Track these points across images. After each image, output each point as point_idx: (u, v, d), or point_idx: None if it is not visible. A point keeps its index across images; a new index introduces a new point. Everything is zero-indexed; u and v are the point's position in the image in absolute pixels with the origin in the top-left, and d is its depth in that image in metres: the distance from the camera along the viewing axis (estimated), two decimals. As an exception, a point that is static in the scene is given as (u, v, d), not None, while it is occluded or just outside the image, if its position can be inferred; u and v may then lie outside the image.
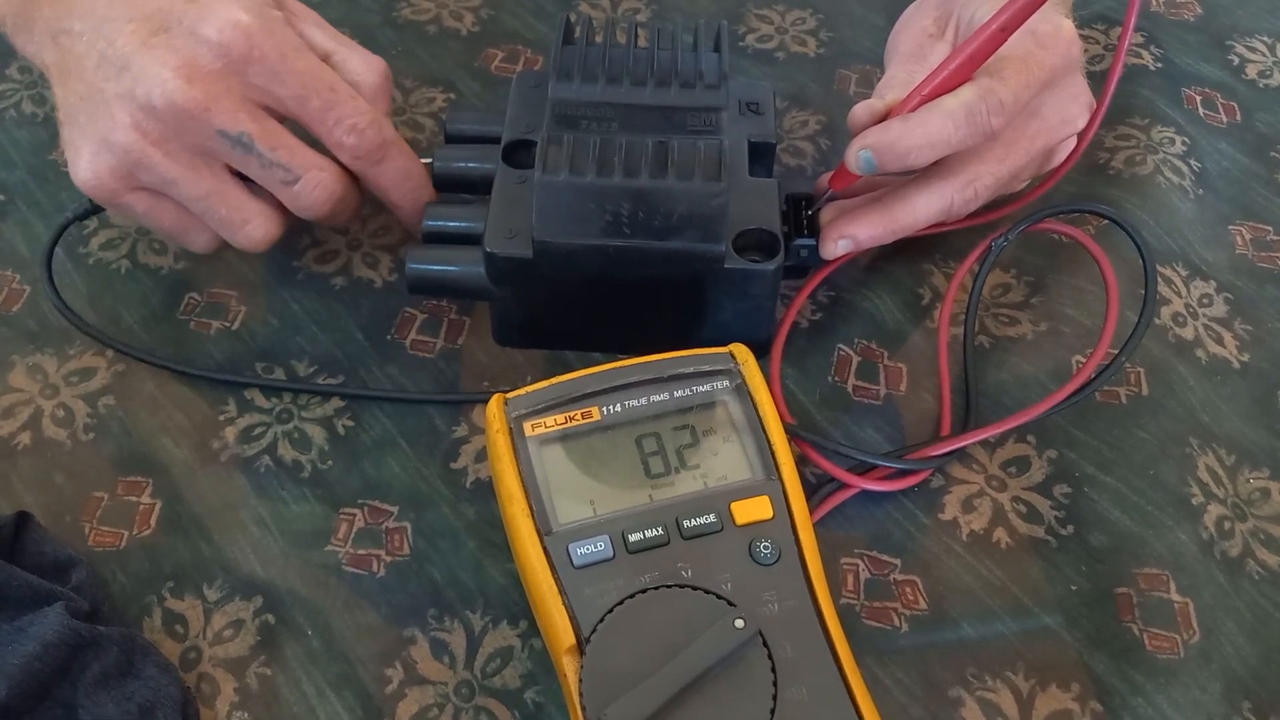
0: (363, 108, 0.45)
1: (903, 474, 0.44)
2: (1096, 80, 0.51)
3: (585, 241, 0.44)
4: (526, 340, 0.49)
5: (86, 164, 0.44)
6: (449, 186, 0.50)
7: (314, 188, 0.45)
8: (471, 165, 0.49)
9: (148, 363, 0.48)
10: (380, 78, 0.48)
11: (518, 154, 0.49)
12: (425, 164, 0.49)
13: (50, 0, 0.46)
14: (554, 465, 0.40)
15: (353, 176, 0.47)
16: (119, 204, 0.45)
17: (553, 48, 0.46)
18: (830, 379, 0.49)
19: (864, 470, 0.44)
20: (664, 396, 0.41)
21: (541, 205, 0.43)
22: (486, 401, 0.41)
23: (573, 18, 0.47)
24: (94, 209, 0.49)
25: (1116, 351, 0.44)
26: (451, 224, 0.48)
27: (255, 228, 0.46)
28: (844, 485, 0.44)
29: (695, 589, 0.36)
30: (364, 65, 0.48)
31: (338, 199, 0.46)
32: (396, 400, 0.47)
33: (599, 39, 0.47)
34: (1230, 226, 0.55)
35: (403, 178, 0.47)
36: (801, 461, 0.44)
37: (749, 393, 0.41)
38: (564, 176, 0.42)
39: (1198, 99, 0.61)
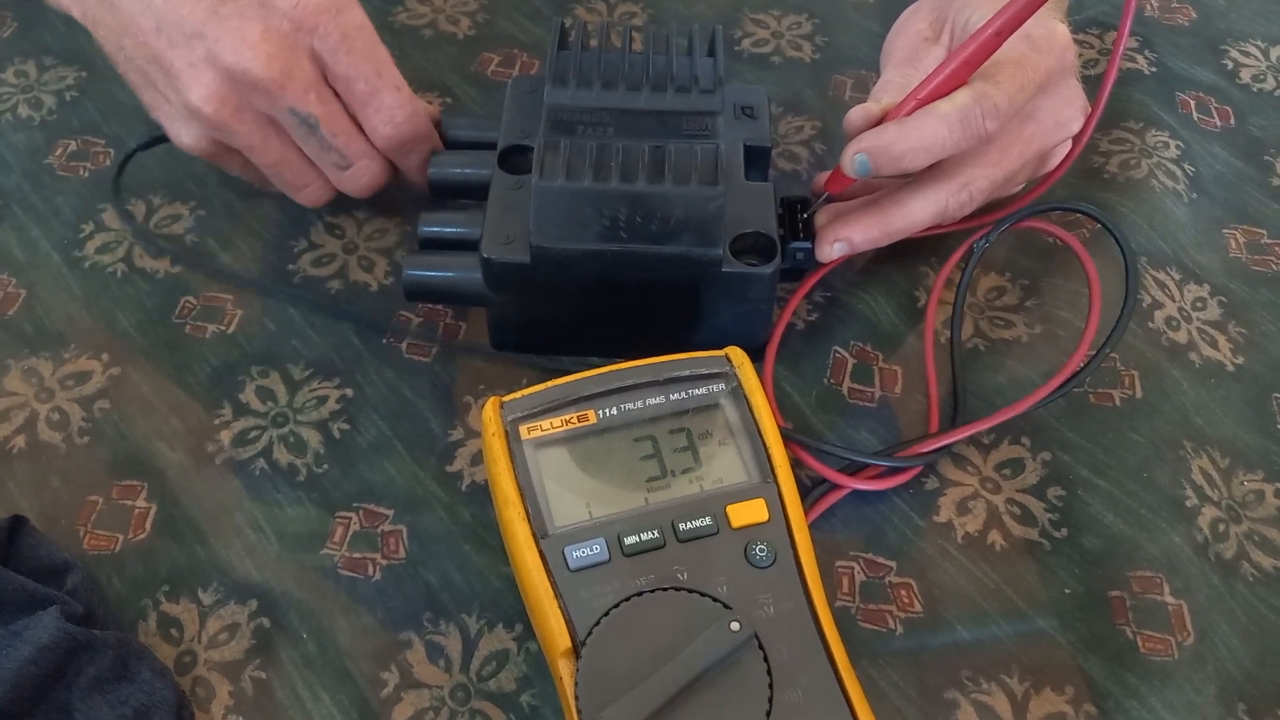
0: (403, 100, 0.47)
1: (893, 472, 0.45)
2: (1091, 85, 0.51)
3: (582, 246, 0.44)
4: (523, 346, 0.49)
5: (183, 131, 0.47)
6: (445, 193, 0.50)
7: (361, 175, 0.49)
8: (467, 171, 0.49)
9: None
10: (435, 111, 0.52)
11: (513, 159, 0.49)
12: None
13: None
14: (550, 468, 0.40)
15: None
16: (221, 159, 0.50)
17: (548, 53, 0.47)
18: (826, 381, 0.49)
19: (856, 470, 0.45)
20: (660, 400, 0.41)
21: (539, 210, 0.43)
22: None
23: (567, 23, 0.48)
24: (158, 139, 0.53)
25: (1099, 348, 0.45)
26: (448, 230, 0.48)
27: (312, 192, 0.50)
28: (836, 486, 0.44)
29: (691, 592, 0.36)
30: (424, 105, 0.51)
31: (377, 187, 0.50)
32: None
33: (594, 43, 0.47)
34: (1224, 230, 0.56)
35: (425, 167, 0.50)
36: (796, 464, 0.44)
37: (745, 396, 0.41)
38: (561, 182, 0.42)
39: (1192, 103, 0.61)
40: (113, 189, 0.54)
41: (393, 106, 0.47)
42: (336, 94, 0.47)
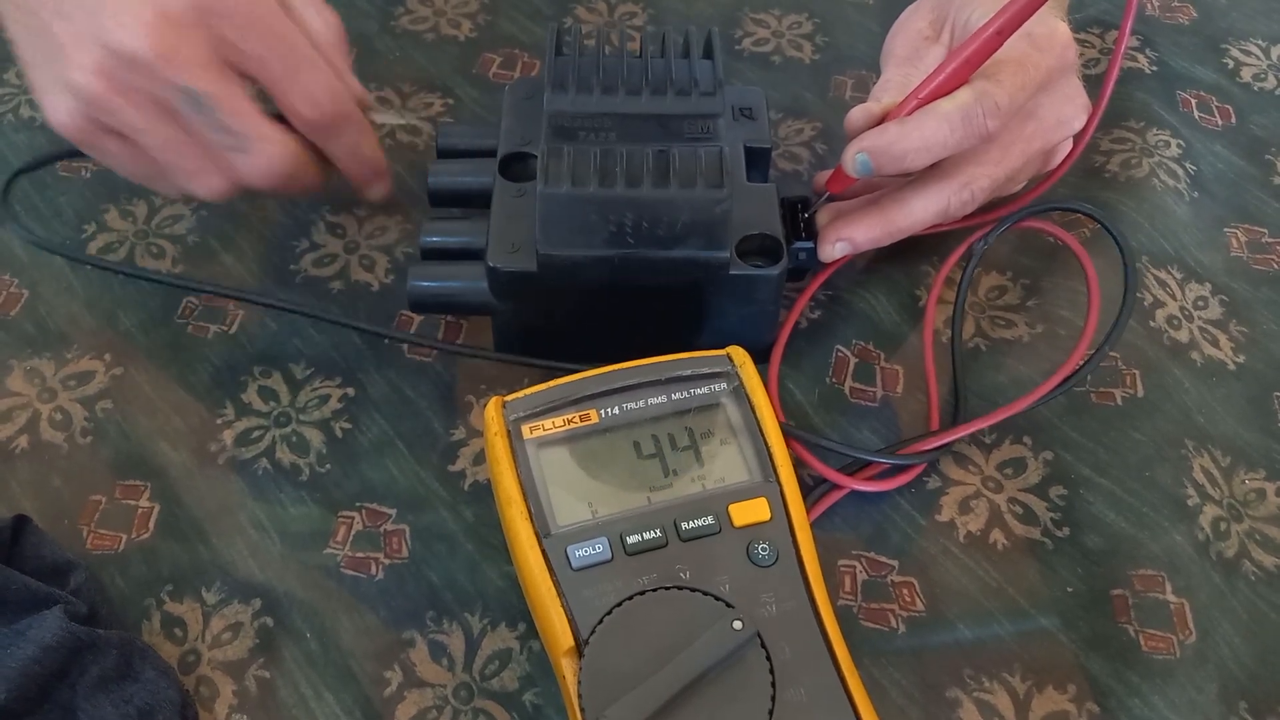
0: (322, 78, 0.44)
1: (894, 473, 0.45)
2: (1093, 84, 0.51)
3: (589, 253, 0.44)
4: (529, 353, 0.49)
5: (57, 105, 0.44)
6: (445, 202, 0.50)
7: (259, 158, 0.44)
8: (466, 179, 0.49)
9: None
10: (335, 33, 0.47)
11: (514, 167, 0.49)
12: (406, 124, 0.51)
13: None
14: (552, 467, 0.40)
15: (311, 146, 0.46)
16: (93, 147, 0.45)
17: (545, 58, 0.46)
18: (828, 380, 0.49)
19: (857, 469, 0.45)
20: (662, 399, 0.41)
21: (544, 218, 0.43)
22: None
23: (563, 27, 0.47)
24: (62, 153, 0.49)
25: (1099, 346, 0.45)
26: (450, 239, 0.48)
27: (207, 180, 0.45)
28: (837, 485, 0.44)
29: (693, 591, 0.37)
30: (320, 21, 0.47)
31: (283, 173, 0.45)
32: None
33: (590, 44, 0.47)
34: (1225, 229, 0.56)
35: (353, 152, 0.47)
36: (798, 463, 0.44)
37: (747, 395, 0.41)
38: (566, 188, 0.42)
39: (1193, 102, 0.62)
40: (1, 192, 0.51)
41: (312, 84, 0.44)
42: (245, 80, 0.44)
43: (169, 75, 0.42)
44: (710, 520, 0.38)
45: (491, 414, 0.41)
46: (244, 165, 0.44)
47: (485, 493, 0.45)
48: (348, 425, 0.47)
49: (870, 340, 0.50)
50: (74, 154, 0.48)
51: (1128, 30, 0.49)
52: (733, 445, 0.41)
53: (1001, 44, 0.44)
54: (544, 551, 0.38)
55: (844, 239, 0.48)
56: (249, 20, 0.43)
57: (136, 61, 0.41)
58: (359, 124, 0.47)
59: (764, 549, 0.38)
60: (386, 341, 0.50)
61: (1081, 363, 0.44)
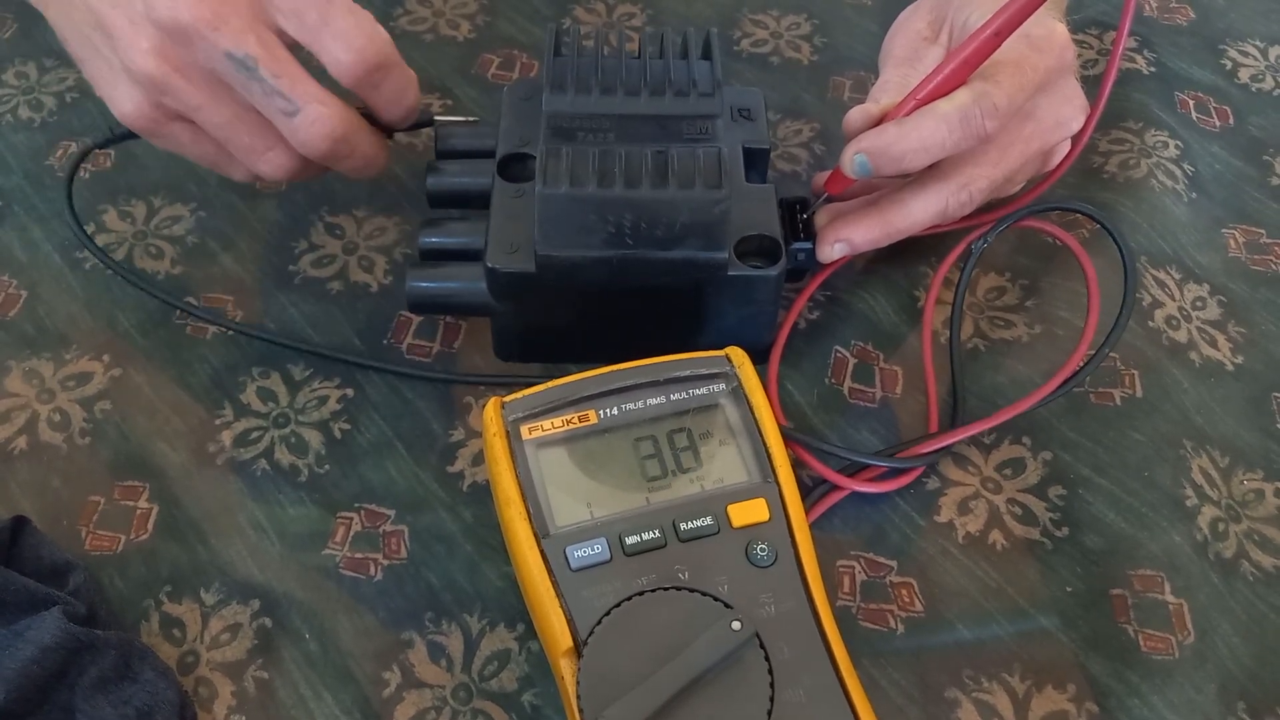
0: (357, 22, 0.43)
1: (894, 474, 0.45)
2: (1091, 85, 0.51)
3: (588, 254, 0.44)
4: (529, 354, 0.49)
5: (123, 97, 0.44)
6: (443, 203, 0.50)
7: (313, 121, 0.43)
8: (465, 180, 0.49)
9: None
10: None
11: (513, 168, 0.49)
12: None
13: None
14: (551, 468, 0.40)
15: (372, 122, 0.47)
16: (163, 135, 0.46)
17: (544, 59, 0.46)
18: (827, 381, 0.49)
19: (856, 471, 0.45)
20: (661, 400, 0.41)
21: (543, 219, 0.43)
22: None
23: (561, 28, 0.47)
24: (127, 134, 0.48)
25: (1099, 347, 0.45)
26: (449, 240, 0.48)
27: (275, 158, 0.45)
28: (837, 486, 0.44)
29: (692, 591, 0.37)
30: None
31: (338, 137, 0.44)
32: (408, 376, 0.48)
33: (589, 45, 0.47)
34: (1224, 230, 0.56)
35: (399, 100, 0.46)
36: (797, 464, 0.44)
37: (745, 396, 0.41)
38: (565, 189, 0.42)
39: (1191, 103, 0.62)
40: (65, 193, 0.50)
41: (349, 30, 0.43)
42: (290, 45, 0.44)
43: (217, 42, 0.42)
44: (709, 521, 0.38)
45: (490, 415, 0.41)
46: (298, 129, 0.43)
47: (484, 493, 0.45)
48: (346, 426, 0.47)
49: (869, 341, 0.50)
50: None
51: (1126, 31, 0.49)
52: (731, 446, 0.41)
53: (1000, 45, 0.44)
54: (543, 552, 0.38)
55: (842, 240, 0.48)
56: None
57: (187, 34, 0.41)
58: (401, 70, 0.46)
59: (763, 549, 0.38)
60: (385, 342, 0.50)
61: (1082, 364, 0.44)
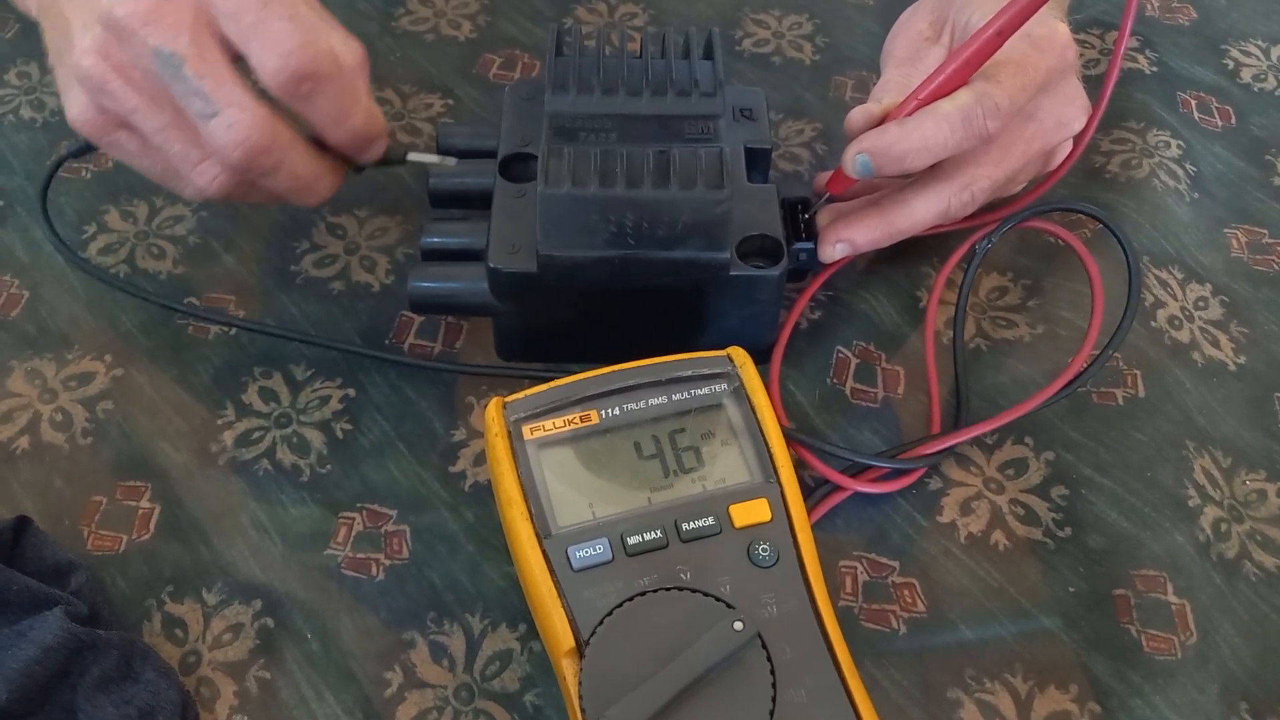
0: (292, 29, 0.41)
1: (896, 475, 0.45)
2: (1093, 84, 0.51)
3: (590, 254, 0.44)
4: (530, 354, 0.49)
5: (72, 100, 0.43)
6: (445, 203, 0.50)
7: (228, 125, 0.40)
8: (467, 180, 0.49)
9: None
10: (356, 60, 0.44)
11: (514, 168, 0.49)
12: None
13: None
14: (553, 468, 0.40)
15: (324, 149, 0.44)
16: (109, 142, 0.44)
17: (545, 59, 0.46)
18: (829, 381, 0.49)
19: (858, 472, 0.45)
20: (662, 400, 0.41)
21: (545, 219, 0.43)
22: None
23: (563, 28, 0.47)
24: (87, 146, 0.47)
25: (1103, 348, 0.45)
26: (451, 240, 0.48)
27: (208, 167, 0.43)
28: (839, 487, 0.44)
29: (694, 591, 0.37)
30: (342, 43, 0.44)
31: (254, 145, 0.41)
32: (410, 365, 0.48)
33: (590, 45, 0.47)
34: (1226, 230, 0.56)
35: (336, 119, 0.43)
36: (799, 465, 0.44)
37: (747, 396, 0.41)
38: (567, 189, 0.42)
39: (1193, 103, 0.62)
40: (40, 200, 0.50)
41: (280, 35, 0.40)
42: (232, 51, 0.42)
43: (147, 37, 0.40)
44: (711, 521, 0.38)
45: (492, 415, 0.41)
46: (213, 133, 0.41)
47: (486, 494, 0.45)
48: (348, 426, 0.47)
49: (871, 341, 0.50)
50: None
51: (1128, 31, 0.49)
52: (733, 446, 0.41)
53: (1001, 45, 0.44)
54: (545, 552, 0.38)
55: (844, 240, 0.48)
56: None
57: (123, 29, 0.40)
58: (341, 86, 0.43)
59: (765, 550, 0.38)
60: (387, 341, 0.50)
61: (1086, 365, 0.44)
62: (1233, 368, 0.50)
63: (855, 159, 0.46)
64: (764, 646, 0.35)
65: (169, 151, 0.43)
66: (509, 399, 0.41)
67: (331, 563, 0.43)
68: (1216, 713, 0.40)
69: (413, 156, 0.48)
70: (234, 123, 0.40)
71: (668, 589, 0.37)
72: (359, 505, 0.45)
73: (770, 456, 0.40)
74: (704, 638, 0.35)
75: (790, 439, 0.43)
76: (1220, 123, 0.61)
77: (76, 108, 0.43)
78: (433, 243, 0.48)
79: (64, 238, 0.51)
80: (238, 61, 0.42)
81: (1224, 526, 0.45)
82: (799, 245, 0.48)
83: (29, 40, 0.62)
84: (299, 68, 0.41)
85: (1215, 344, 0.51)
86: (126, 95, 0.41)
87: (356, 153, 0.46)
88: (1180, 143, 0.59)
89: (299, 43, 0.40)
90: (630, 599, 0.36)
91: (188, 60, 0.40)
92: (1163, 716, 0.39)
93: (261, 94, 0.42)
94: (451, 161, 0.48)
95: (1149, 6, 0.67)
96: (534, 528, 0.38)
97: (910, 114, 0.45)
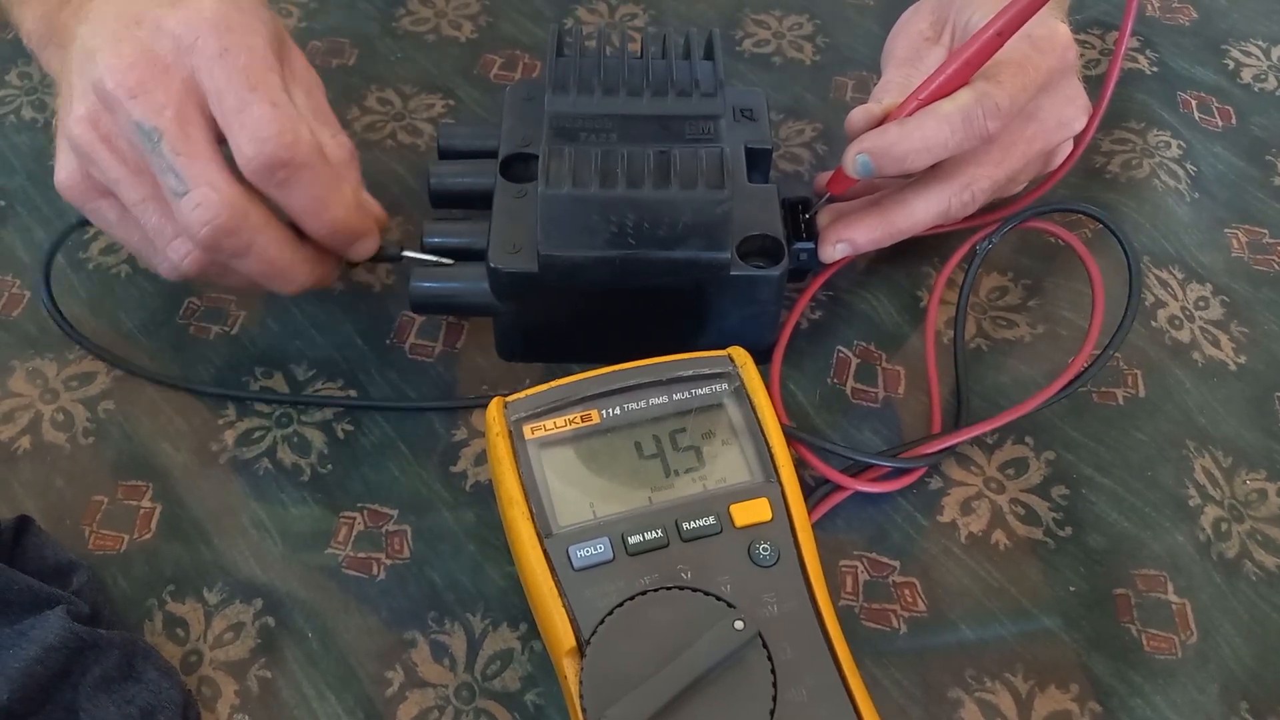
0: (277, 116, 0.40)
1: (897, 474, 0.45)
2: (1093, 85, 0.51)
3: (591, 254, 0.44)
4: (531, 354, 0.49)
5: (60, 163, 0.43)
6: (446, 202, 0.50)
7: (196, 205, 0.40)
8: (467, 180, 0.49)
9: (146, 377, 0.48)
10: (346, 153, 0.44)
11: (515, 168, 0.49)
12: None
13: (73, 10, 0.44)
14: (554, 468, 0.40)
15: (306, 238, 0.43)
16: (91, 209, 0.44)
17: (546, 60, 0.46)
18: (829, 381, 0.49)
19: (859, 471, 0.45)
20: (663, 399, 0.41)
21: (545, 219, 0.43)
22: (486, 405, 0.41)
23: (564, 29, 0.48)
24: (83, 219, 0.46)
25: (1104, 348, 0.45)
26: (452, 240, 0.48)
27: (180, 244, 0.42)
28: (839, 486, 0.44)
29: (695, 591, 0.37)
30: (331, 140, 0.44)
31: (221, 227, 0.40)
32: (395, 409, 0.48)
33: (591, 46, 0.47)
34: (1226, 230, 0.56)
35: (314, 210, 0.42)
36: (799, 464, 0.44)
37: (748, 395, 0.41)
38: (567, 189, 0.42)
39: (1193, 103, 0.62)
40: (43, 274, 0.49)
41: (260, 120, 0.40)
42: (217, 131, 0.41)
43: (131, 111, 0.40)
44: (711, 520, 0.38)
45: (493, 414, 0.41)
46: (181, 210, 0.40)
47: (487, 493, 0.45)
48: (349, 426, 0.47)
49: (872, 341, 0.50)
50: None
51: (1128, 31, 0.49)
52: (734, 445, 0.41)
53: (1002, 45, 0.44)
54: (545, 552, 0.38)
55: (845, 240, 0.48)
56: (220, 52, 0.40)
57: (111, 100, 0.40)
58: (319, 177, 0.42)
59: (765, 549, 0.38)
60: (388, 342, 0.50)
61: (1086, 365, 0.44)
62: (1233, 368, 0.50)
63: (856, 159, 0.46)
64: (764, 646, 0.36)
65: (146, 225, 0.43)
66: (510, 399, 0.41)
67: (332, 562, 0.43)
68: (1217, 712, 0.40)
69: (408, 254, 0.47)
70: (201, 202, 0.40)
71: (668, 588, 0.37)
72: (360, 505, 0.45)
73: (771, 456, 0.40)
74: (705, 637, 0.35)
75: (791, 438, 0.43)
76: (1221, 123, 0.61)
77: (64, 172, 0.43)
78: (434, 242, 0.48)
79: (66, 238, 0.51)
80: (225, 143, 0.41)
81: (1224, 526, 0.45)
82: (799, 245, 0.48)
83: (30, 41, 0.62)
84: (274, 155, 0.40)
85: (1216, 344, 0.51)
86: (110, 165, 0.41)
87: (339, 247, 0.45)
88: (1181, 143, 0.59)
89: (277, 130, 0.40)
90: (631, 598, 0.36)
91: (166, 136, 0.40)
92: (1163, 716, 0.39)
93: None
94: (448, 262, 0.47)
95: (1149, 7, 0.67)
96: (535, 527, 0.38)
97: (911, 114, 0.45)
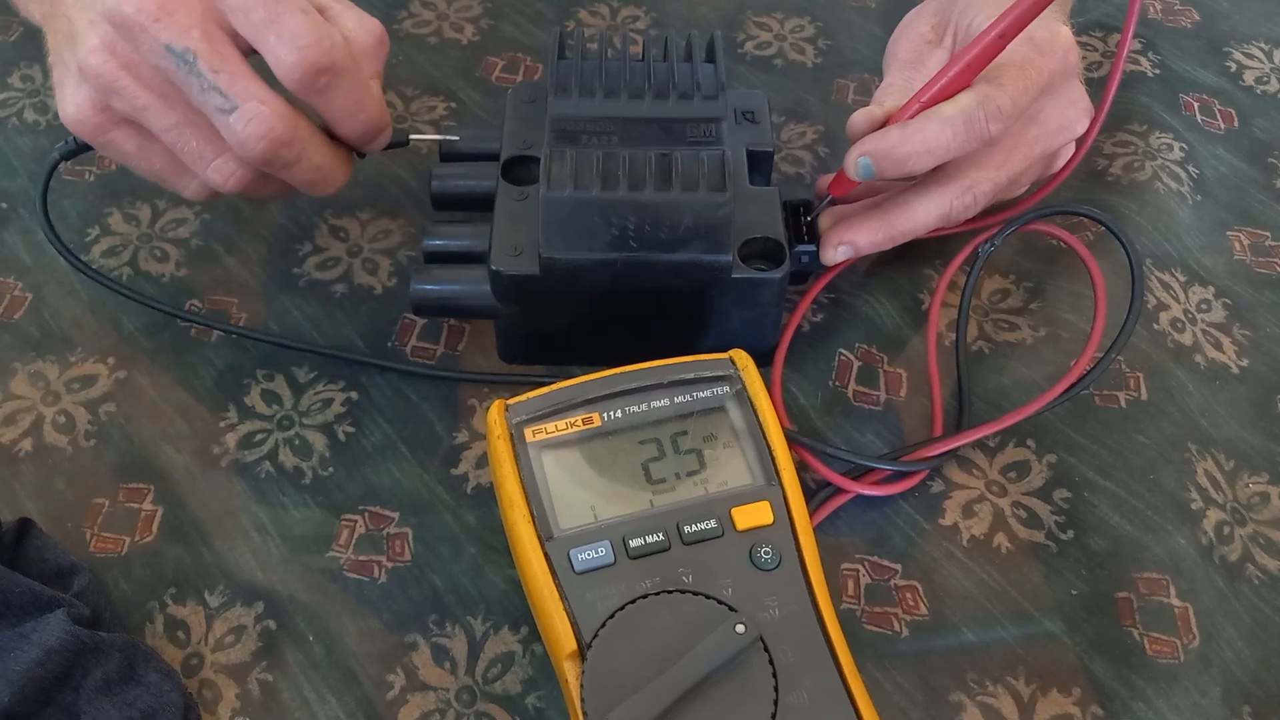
0: (311, 23, 0.40)
1: (898, 477, 0.45)
2: (1095, 87, 0.51)
3: (592, 256, 0.44)
4: (532, 357, 0.49)
5: (69, 97, 0.42)
6: (447, 205, 0.50)
7: (249, 119, 0.40)
8: (469, 183, 0.49)
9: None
10: (374, 39, 0.45)
11: (516, 170, 0.49)
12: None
13: None
14: (555, 471, 0.40)
15: (335, 139, 0.44)
16: (106, 141, 0.43)
17: (548, 62, 0.46)
18: (831, 384, 0.49)
19: (860, 474, 0.45)
20: (665, 402, 0.41)
21: (547, 221, 0.43)
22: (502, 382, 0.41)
23: (565, 31, 0.48)
24: (81, 146, 0.47)
25: (1106, 350, 0.45)
26: (453, 243, 0.48)
27: (223, 163, 0.42)
28: (841, 490, 0.44)
29: (696, 594, 0.37)
30: (357, 23, 0.44)
31: (277, 139, 0.41)
32: (412, 374, 0.48)
33: (593, 48, 0.47)
34: (1228, 232, 0.56)
35: (351, 111, 0.43)
36: (801, 467, 0.44)
37: (749, 398, 0.41)
38: (569, 192, 0.42)
39: (1195, 105, 0.62)
40: (40, 203, 0.49)
41: (295, 29, 0.40)
42: (247, 50, 0.41)
43: (158, 35, 0.40)
44: (713, 524, 0.38)
45: (494, 417, 0.41)
46: (234, 128, 0.40)
47: (488, 496, 0.45)
48: (351, 429, 0.47)
49: (873, 343, 0.50)
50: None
51: (1130, 34, 0.49)
52: (735, 448, 0.41)
53: (1004, 48, 0.44)
54: (547, 555, 0.38)
55: (846, 242, 0.48)
56: None
57: (132, 27, 0.40)
58: (355, 80, 0.42)
59: (766, 552, 0.38)
60: (389, 344, 0.50)
61: (1089, 368, 0.44)
62: (1235, 370, 0.50)
63: (857, 162, 0.46)
64: (766, 649, 0.35)
65: (182, 149, 0.43)
66: (511, 401, 0.41)
67: (334, 565, 0.43)
68: (1219, 716, 0.40)
69: (415, 138, 0.49)
70: (255, 116, 0.40)
71: (670, 592, 0.37)
72: (361, 508, 0.45)
73: (772, 459, 0.40)
74: (706, 641, 0.35)
75: (792, 441, 0.43)
76: (1223, 125, 0.61)
77: (73, 105, 0.42)
78: (435, 245, 0.48)
79: (67, 240, 0.51)
80: (249, 56, 0.42)
81: (1226, 529, 0.44)
82: (801, 248, 0.48)
83: (32, 44, 0.62)
84: (316, 62, 0.40)
85: (1218, 346, 0.51)
86: (136, 93, 0.41)
87: (365, 144, 0.46)
88: (1183, 145, 0.58)
89: (316, 37, 0.40)
90: (632, 601, 0.36)
91: (201, 56, 0.40)
92: (1165, 720, 0.39)
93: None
94: (454, 137, 0.49)
95: (1151, 9, 0.67)
96: (536, 530, 0.38)
97: (912, 117, 0.45)
